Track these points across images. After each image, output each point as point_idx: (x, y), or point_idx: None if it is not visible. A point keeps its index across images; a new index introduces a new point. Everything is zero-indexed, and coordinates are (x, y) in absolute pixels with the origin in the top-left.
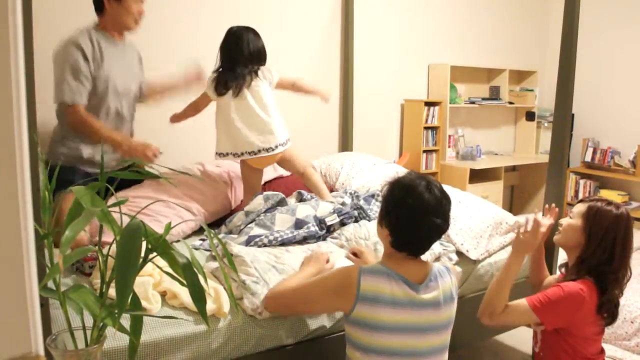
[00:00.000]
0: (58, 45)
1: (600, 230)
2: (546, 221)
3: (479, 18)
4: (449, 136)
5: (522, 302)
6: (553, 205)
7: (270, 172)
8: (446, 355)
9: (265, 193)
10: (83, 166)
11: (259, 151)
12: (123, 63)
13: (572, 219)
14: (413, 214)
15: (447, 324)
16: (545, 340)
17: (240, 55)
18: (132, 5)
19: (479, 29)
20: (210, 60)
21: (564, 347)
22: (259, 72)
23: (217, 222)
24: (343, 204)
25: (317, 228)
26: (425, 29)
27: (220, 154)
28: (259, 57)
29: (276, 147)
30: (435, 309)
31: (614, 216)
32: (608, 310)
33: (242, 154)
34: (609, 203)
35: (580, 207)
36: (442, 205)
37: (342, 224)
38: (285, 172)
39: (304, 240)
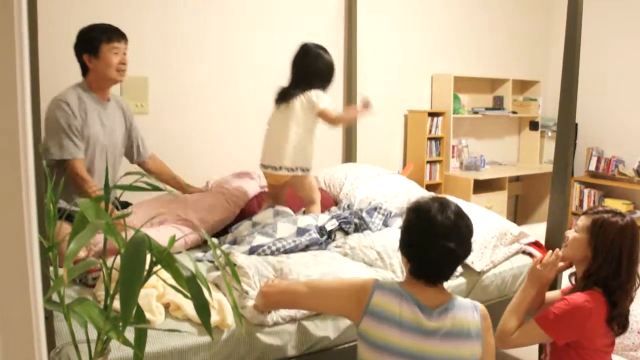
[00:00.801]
0: (48, 104)
1: (605, 244)
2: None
3: (481, 28)
4: (453, 146)
5: (531, 321)
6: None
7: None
8: None
9: (276, 208)
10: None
11: (264, 166)
12: (107, 122)
13: (577, 233)
14: (424, 238)
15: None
16: (555, 353)
17: (300, 71)
18: (110, 57)
19: (482, 40)
20: (212, 63)
21: (574, 359)
22: (308, 93)
23: (222, 231)
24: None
25: (318, 235)
26: (428, 40)
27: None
28: (317, 77)
29: (280, 168)
30: (441, 340)
31: (619, 228)
32: (619, 323)
33: (260, 164)
34: (615, 214)
35: (585, 220)
36: (457, 228)
37: (345, 232)
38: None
39: (306, 248)
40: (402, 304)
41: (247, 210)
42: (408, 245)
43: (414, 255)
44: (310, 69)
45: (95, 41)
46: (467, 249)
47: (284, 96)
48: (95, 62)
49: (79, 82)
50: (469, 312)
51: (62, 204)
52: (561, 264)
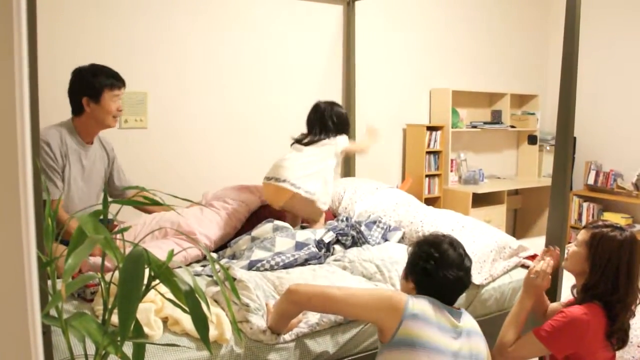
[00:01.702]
0: None
1: (603, 259)
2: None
3: (480, 43)
4: (451, 160)
5: (529, 334)
6: (554, 247)
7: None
8: None
9: (275, 223)
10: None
11: (267, 178)
12: (86, 164)
13: (577, 247)
14: (440, 266)
15: (477, 355)
16: None
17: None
18: (110, 104)
19: (480, 54)
20: (211, 79)
21: None
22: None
23: (221, 246)
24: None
25: (316, 249)
26: (427, 55)
27: None
28: (340, 125)
29: (284, 180)
30: (467, 339)
31: (618, 242)
32: (618, 337)
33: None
34: (614, 228)
35: (585, 234)
36: (464, 261)
37: (343, 245)
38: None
39: (305, 263)
40: (435, 308)
41: (246, 226)
42: (421, 272)
43: (425, 281)
44: (333, 119)
45: (98, 87)
46: (470, 280)
47: (311, 141)
48: (94, 107)
49: (63, 121)
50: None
51: None
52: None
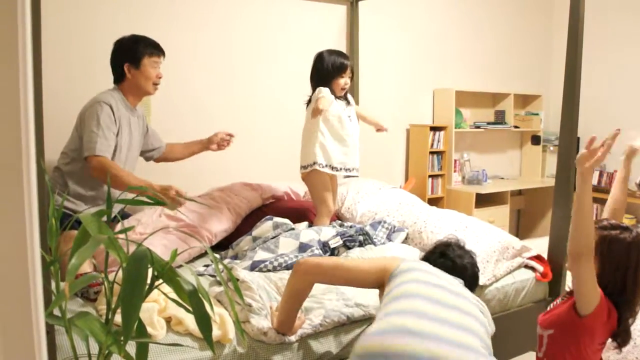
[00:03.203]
0: (87, 104)
1: (611, 260)
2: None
3: (483, 43)
4: (455, 161)
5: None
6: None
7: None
8: (472, 341)
9: (275, 220)
10: None
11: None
12: (132, 130)
13: None
14: (454, 252)
15: (474, 316)
16: (551, 346)
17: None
18: (150, 70)
19: (484, 54)
20: (214, 79)
21: (570, 350)
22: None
23: (223, 246)
24: (347, 227)
25: (320, 251)
26: (430, 55)
27: None
28: (318, 76)
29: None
30: (465, 299)
31: (627, 244)
32: (622, 337)
33: None
34: (622, 229)
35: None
36: (473, 258)
37: (347, 247)
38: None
39: None
40: (432, 268)
41: (248, 224)
42: (441, 256)
43: (445, 260)
44: (313, 71)
45: (138, 53)
46: (477, 281)
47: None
48: (135, 73)
49: (112, 88)
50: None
51: (75, 205)
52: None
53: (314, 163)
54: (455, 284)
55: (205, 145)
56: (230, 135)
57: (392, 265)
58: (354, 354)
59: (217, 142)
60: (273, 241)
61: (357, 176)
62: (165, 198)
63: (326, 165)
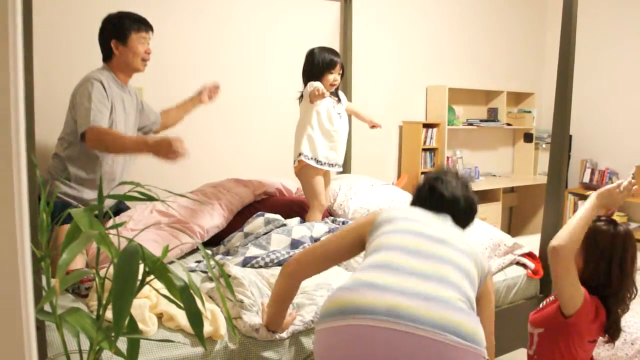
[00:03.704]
0: (78, 84)
1: (595, 252)
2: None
3: (476, 41)
4: (447, 158)
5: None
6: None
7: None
8: (461, 279)
9: (266, 216)
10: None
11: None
12: (126, 107)
13: None
14: (444, 182)
15: (456, 265)
16: (541, 344)
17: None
18: (138, 46)
19: (477, 52)
20: (206, 73)
21: (560, 349)
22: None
23: (214, 242)
24: (339, 224)
25: None
26: (424, 52)
27: None
28: (307, 72)
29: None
30: (448, 246)
31: (610, 236)
32: (612, 331)
33: None
34: (608, 223)
35: None
36: (468, 184)
37: None
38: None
39: None
40: (413, 208)
41: (240, 220)
42: (432, 192)
43: (435, 195)
44: (304, 66)
45: (125, 29)
46: (475, 204)
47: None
48: (122, 50)
49: (101, 67)
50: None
51: (66, 189)
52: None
53: (300, 154)
54: (443, 228)
55: (197, 101)
56: (217, 86)
57: (371, 219)
58: (321, 312)
59: (208, 95)
60: (265, 237)
61: (340, 171)
62: (163, 154)
63: (312, 158)
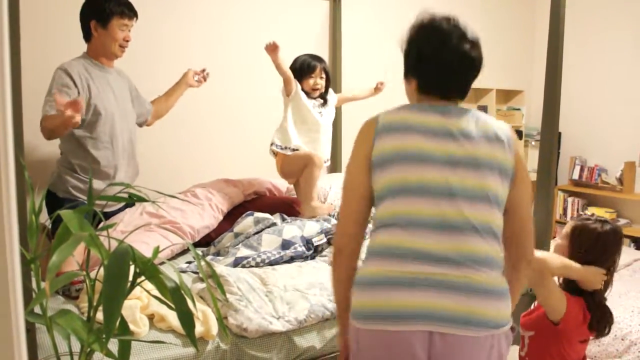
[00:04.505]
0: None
1: (581, 250)
2: None
3: None
4: None
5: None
6: None
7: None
8: (494, 212)
9: (255, 215)
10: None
11: None
12: (115, 88)
13: (560, 239)
14: (434, 43)
15: (486, 163)
16: (532, 346)
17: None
18: (117, 31)
19: None
20: (195, 68)
21: (550, 352)
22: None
23: (205, 243)
24: (332, 225)
25: (304, 248)
26: None
27: None
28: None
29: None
30: (469, 140)
31: (597, 235)
32: (602, 324)
33: None
34: (596, 221)
35: (568, 227)
36: (466, 32)
37: (331, 245)
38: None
39: (291, 260)
40: (417, 111)
41: (230, 220)
42: (417, 60)
43: (425, 67)
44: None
45: (107, 12)
46: (480, 55)
47: None
48: (101, 32)
49: (82, 54)
50: (491, 120)
51: (85, 182)
52: None
53: (272, 144)
54: (461, 146)
55: (184, 84)
56: (203, 70)
57: (364, 151)
58: (364, 310)
59: (198, 79)
60: (255, 238)
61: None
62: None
63: (285, 147)
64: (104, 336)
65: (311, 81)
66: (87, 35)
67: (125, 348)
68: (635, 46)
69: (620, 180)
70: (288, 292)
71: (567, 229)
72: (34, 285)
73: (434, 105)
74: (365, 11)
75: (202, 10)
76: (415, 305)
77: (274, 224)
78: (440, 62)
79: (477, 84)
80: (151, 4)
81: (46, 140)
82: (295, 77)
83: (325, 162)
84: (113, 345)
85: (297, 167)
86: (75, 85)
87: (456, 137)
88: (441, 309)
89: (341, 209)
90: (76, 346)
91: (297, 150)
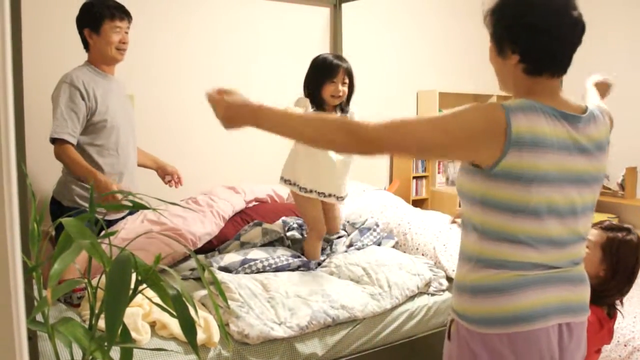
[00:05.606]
0: (56, 86)
1: (621, 264)
2: None
3: (466, 45)
4: (439, 162)
5: None
6: None
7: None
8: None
9: (264, 226)
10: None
11: None
12: (119, 96)
13: (589, 249)
14: (550, 11)
15: (599, 178)
16: None
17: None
18: (111, 35)
19: (467, 56)
20: (197, 81)
21: None
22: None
23: (206, 250)
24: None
25: (313, 265)
26: (414, 57)
27: None
28: (305, 85)
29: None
30: (588, 155)
31: (634, 246)
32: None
33: None
34: (624, 230)
35: (598, 237)
36: None
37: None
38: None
39: (297, 269)
40: (548, 119)
41: (231, 227)
42: (527, 30)
43: (535, 41)
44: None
45: (97, 17)
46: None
47: None
48: (96, 39)
49: (84, 61)
50: (602, 118)
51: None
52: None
53: (281, 178)
54: (583, 134)
55: (154, 165)
56: (180, 178)
57: (497, 126)
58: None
59: (168, 179)
60: (272, 247)
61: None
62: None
63: (293, 184)
64: (105, 344)
65: (332, 88)
66: (86, 45)
67: (127, 356)
68: (636, 51)
69: (621, 185)
70: (290, 298)
71: (598, 238)
72: (35, 293)
73: (561, 112)
74: (366, 18)
75: (201, 17)
76: (548, 302)
77: (282, 238)
78: (556, 33)
79: (478, 90)
80: (151, 12)
81: (57, 159)
82: (313, 82)
83: (338, 198)
84: (115, 353)
85: (307, 212)
86: (83, 99)
87: (584, 151)
88: (568, 300)
89: (423, 127)
90: (78, 354)
91: (306, 189)
